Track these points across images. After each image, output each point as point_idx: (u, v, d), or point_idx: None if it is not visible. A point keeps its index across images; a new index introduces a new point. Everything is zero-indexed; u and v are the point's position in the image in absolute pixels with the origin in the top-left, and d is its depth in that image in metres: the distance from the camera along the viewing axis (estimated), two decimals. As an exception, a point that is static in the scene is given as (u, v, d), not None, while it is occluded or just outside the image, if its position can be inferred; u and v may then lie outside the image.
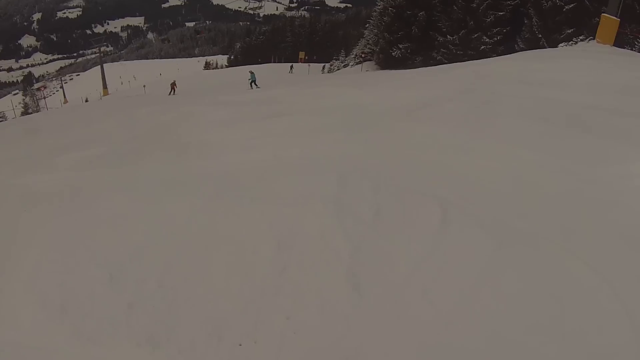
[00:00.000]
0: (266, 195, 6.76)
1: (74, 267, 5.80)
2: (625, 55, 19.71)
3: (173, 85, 38.43)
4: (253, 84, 31.21)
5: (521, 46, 32.25)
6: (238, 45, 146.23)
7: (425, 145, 8.71)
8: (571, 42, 28.53)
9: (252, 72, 32.94)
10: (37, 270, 5.86)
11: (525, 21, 32.97)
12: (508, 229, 5.61)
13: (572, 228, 5.61)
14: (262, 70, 68.34)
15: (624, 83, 11.62)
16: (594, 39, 25.62)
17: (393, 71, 33.44)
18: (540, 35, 31.10)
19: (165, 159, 9.69)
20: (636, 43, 24.09)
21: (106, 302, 5.16)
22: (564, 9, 29.49)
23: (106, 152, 10.98)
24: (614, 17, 22.81)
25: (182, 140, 11.22)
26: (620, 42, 23.57)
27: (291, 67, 65.52)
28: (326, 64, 68.76)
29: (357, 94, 15.36)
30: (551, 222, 5.75)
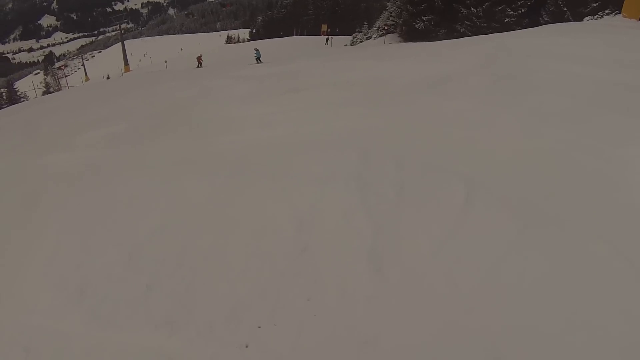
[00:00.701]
0: (287, 172, 6.60)
1: (92, 247, 5.73)
2: (651, 31, 19.17)
3: (199, 59, 40.64)
4: (258, 60, 32.60)
5: (546, 19, 31.58)
6: (260, 18, 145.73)
7: (449, 121, 8.48)
8: (597, 16, 27.91)
9: (257, 50, 34.55)
10: (55, 251, 5.81)
11: (550, -7, 32.26)
12: (533, 210, 5.37)
13: (599, 210, 5.35)
14: (284, 43, 68.13)
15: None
16: (619, 13, 25.09)
17: (416, 44, 32.89)
18: (565, 9, 30.38)
19: (185, 135, 9.58)
20: (663, 18, 23.42)
21: (124, 284, 5.07)
22: (590, -18, 28.77)
23: (126, 129, 10.91)
24: (641, -9, 22.21)
25: (202, 116, 11.10)
26: (647, 17, 23.01)
27: (327, 39, 65.18)
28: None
29: (380, 67, 15.09)
30: (577, 203, 5.48)
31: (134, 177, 7.53)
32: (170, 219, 5.96)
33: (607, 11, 27.81)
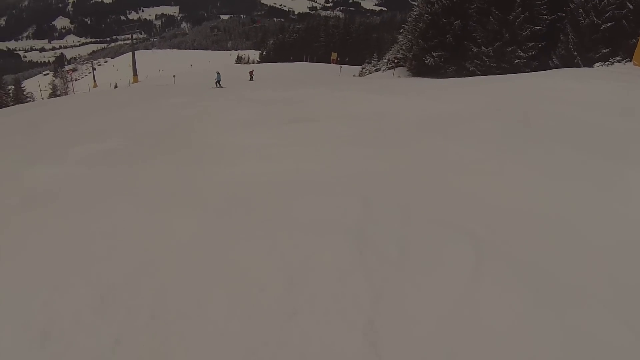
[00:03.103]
0: (282, 218, 6.09)
1: (62, 284, 5.18)
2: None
3: (251, 73, 48.09)
4: (218, 83, 36.53)
5: (555, 63, 31.63)
6: (271, 41, 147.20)
7: (458, 168, 8.06)
8: (607, 62, 28.00)
9: (218, 73, 39.34)
10: (22, 283, 5.27)
11: (562, 37, 32.29)
12: (550, 280, 4.77)
13: (623, 282, 4.79)
14: (294, 68, 68.43)
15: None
16: (630, 60, 25.17)
17: (426, 79, 32.72)
18: (575, 53, 30.42)
19: (180, 161, 9.18)
20: (673, 67, 23.50)
21: (92, 333, 4.51)
22: (601, 28, 28.83)
23: (121, 146, 10.57)
24: (653, 40, 22.29)
25: (201, 140, 10.76)
26: (658, 65, 23.08)
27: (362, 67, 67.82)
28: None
29: (388, 101, 14.78)
30: (597, 274, 4.89)
31: (119, 205, 7.05)
32: (150, 259, 5.43)
33: (617, 58, 27.93)
